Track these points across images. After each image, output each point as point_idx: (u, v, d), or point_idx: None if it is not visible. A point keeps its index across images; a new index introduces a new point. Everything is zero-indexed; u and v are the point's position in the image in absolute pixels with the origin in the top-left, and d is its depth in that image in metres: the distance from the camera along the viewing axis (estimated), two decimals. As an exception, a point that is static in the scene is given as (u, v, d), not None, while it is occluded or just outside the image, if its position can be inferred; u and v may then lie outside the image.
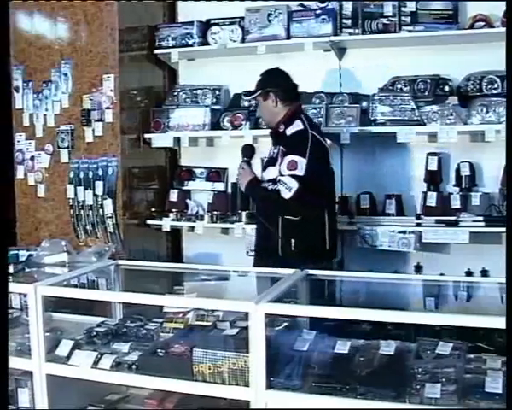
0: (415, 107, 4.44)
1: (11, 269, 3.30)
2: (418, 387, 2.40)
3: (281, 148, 3.92)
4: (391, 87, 4.67)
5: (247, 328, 2.52)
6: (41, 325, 2.91)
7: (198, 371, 2.59)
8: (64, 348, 2.94)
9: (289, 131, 3.97)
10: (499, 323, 2.16)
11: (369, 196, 4.72)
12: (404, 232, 4.43)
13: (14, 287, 3.28)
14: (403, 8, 4.55)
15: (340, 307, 2.68)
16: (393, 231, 4.46)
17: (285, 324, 2.80)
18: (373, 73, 4.77)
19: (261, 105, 4.12)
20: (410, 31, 4.53)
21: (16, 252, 3.49)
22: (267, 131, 4.37)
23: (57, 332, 3.13)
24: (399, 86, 4.65)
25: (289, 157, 3.83)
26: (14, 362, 3.05)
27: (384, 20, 4.59)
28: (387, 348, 2.63)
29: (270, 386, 2.47)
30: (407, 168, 4.72)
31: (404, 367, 2.53)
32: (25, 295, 3.30)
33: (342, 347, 2.63)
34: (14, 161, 5.18)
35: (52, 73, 5.00)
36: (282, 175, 3.83)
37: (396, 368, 2.53)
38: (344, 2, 4.69)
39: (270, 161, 4.03)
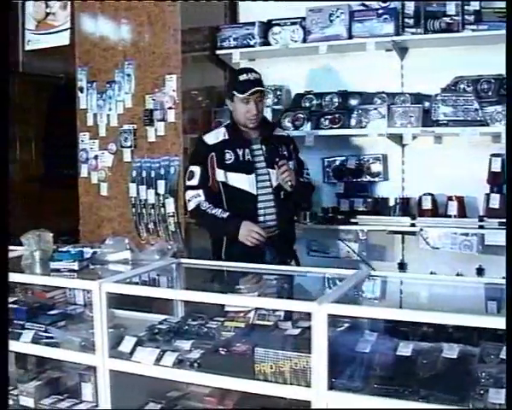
0: (478, 107, 4.37)
1: (76, 266, 3.35)
2: (482, 392, 2.36)
3: (291, 147, 4.24)
4: (454, 87, 4.61)
5: (309, 328, 2.52)
6: (105, 321, 2.96)
7: (260, 371, 2.59)
8: (127, 345, 2.98)
9: (281, 132, 4.40)
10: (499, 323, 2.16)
11: (431, 197, 4.67)
12: (467, 234, 4.38)
13: (78, 283, 3.36)
14: (466, 7, 4.48)
15: (403, 309, 2.67)
16: (455, 233, 4.40)
17: (346, 324, 2.79)
18: (435, 72, 4.71)
19: (259, 103, 4.06)
20: (473, 30, 4.46)
21: (81, 249, 3.54)
22: (328, 132, 4.42)
23: (120, 329, 3.18)
24: (462, 86, 4.59)
25: (300, 156, 4.32)
26: (78, 357, 3.12)
27: (447, 20, 4.53)
28: (450, 351, 2.60)
29: (331, 387, 2.46)
30: (469, 169, 4.65)
31: (467, 371, 2.50)
32: (88, 292, 3.37)
33: (405, 349, 2.61)
34: (78, 159, 5.28)
35: (115, 73, 5.07)
36: (306, 169, 4.30)
37: (459, 372, 2.50)
38: (406, 2, 4.64)
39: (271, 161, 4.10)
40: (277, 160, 4.00)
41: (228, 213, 3.94)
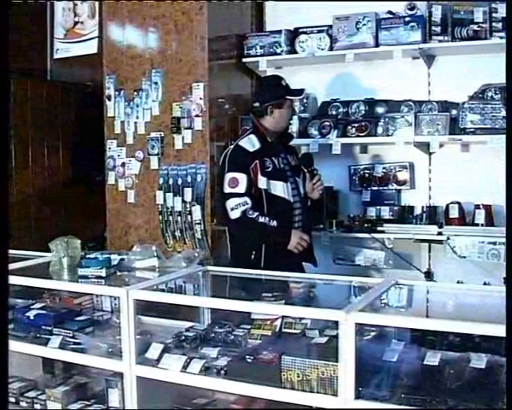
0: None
1: (103, 273, 3.37)
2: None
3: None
4: (481, 95, 4.56)
5: (336, 336, 2.51)
6: (132, 328, 2.96)
7: (286, 379, 2.59)
8: (154, 351, 2.98)
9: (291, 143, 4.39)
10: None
11: (458, 205, 4.63)
12: (494, 243, 4.34)
13: (106, 290, 3.38)
14: (494, 14, 4.45)
15: (431, 319, 2.66)
16: (483, 242, 4.37)
17: (373, 333, 2.78)
18: (463, 80, 4.69)
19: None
20: (501, 37, 4.42)
21: (108, 256, 3.55)
22: (355, 140, 4.43)
23: (147, 335, 3.19)
24: (490, 94, 4.54)
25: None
26: (105, 363, 3.13)
27: (474, 27, 4.51)
28: (478, 361, 2.57)
29: (358, 396, 2.45)
30: (497, 178, 4.60)
31: (495, 382, 2.47)
32: (115, 299, 3.39)
33: (432, 358, 2.59)
34: (105, 167, 5.33)
35: (143, 81, 5.11)
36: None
37: (487, 382, 2.47)
38: (433, 9, 4.62)
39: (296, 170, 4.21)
40: (312, 168, 4.15)
41: (276, 222, 3.91)
